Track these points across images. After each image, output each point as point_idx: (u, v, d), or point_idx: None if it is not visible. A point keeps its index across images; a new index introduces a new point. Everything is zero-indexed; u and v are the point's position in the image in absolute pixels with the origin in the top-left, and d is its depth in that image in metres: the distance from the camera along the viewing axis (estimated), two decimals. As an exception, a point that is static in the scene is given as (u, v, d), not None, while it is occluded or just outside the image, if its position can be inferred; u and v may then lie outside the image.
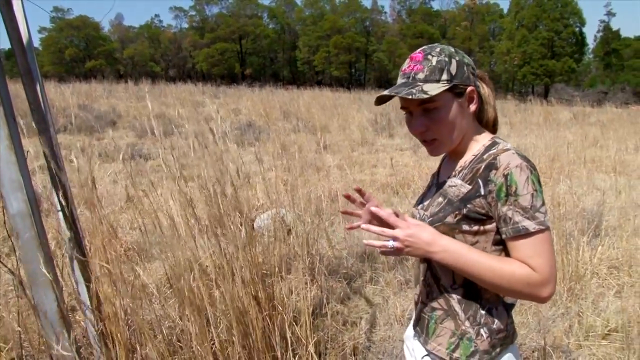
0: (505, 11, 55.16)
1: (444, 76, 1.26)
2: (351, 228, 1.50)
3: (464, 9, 58.38)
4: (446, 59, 1.27)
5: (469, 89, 1.30)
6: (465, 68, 1.29)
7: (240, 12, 62.19)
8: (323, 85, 35.16)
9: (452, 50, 1.30)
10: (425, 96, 1.23)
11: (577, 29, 45.58)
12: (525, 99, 25.49)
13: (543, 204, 1.19)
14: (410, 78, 1.28)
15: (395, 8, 65.54)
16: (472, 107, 1.32)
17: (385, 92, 1.28)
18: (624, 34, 56.06)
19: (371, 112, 14.88)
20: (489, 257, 1.21)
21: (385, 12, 66.85)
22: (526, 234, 1.18)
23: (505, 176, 1.19)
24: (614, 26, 65.80)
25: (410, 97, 1.23)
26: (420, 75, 1.26)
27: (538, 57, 44.52)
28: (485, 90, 1.39)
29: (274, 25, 65.73)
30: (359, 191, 1.51)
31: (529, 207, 1.17)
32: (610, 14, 62.07)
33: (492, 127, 1.42)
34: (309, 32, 59.05)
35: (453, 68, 1.27)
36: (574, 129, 12.92)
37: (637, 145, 10.46)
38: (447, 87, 1.25)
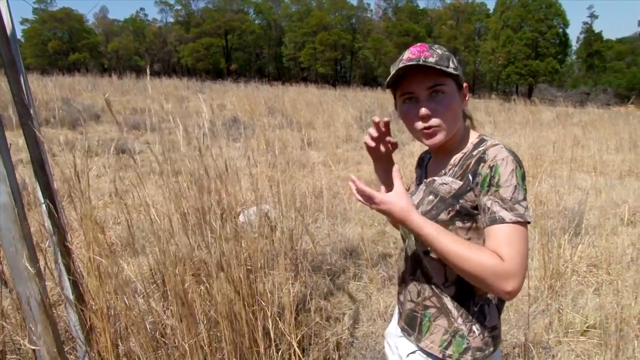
0: (491, 11, 55.48)
1: (452, 64, 1.28)
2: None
3: (450, 7, 58.63)
4: (448, 53, 1.30)
5: (465, 84, 1.34)
6: (458, 66, 1.32)
7: (226, 7, 61.90)
8: (308, 81, 35.13)
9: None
10: (450, 70, 1.25)
11: (560, 30, 46.01)
12: (509, 99, 25.67)
13: (524, 199, 1.19)
14: (421, 61, 1.25)
15: (380, 6, 65.63)
16: (465, 102, 1.35)
17: (411, 62, 1.24)
18: (606, 36, 56.81)
19: (356, 110, 14.89)
20: (460, 242, 1.19)
21: (371, 10, 66.94)
22: (502, 222, 1.17)
23: (491, 167, 1.20)
24: (597, 28, 66.44)
25: (438, 67, 1.23)
26: (431, 60, 1.25)
27: (522, 57, 44.89)
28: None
29: (260, 21, 65.49)
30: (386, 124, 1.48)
31: (509, 198, 1.18)
32: (593, 16, 62.63)
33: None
34: (295, 28, 58.96)
35: (455, 61, 1.31)
36: (557, 129, 13.04)
37: (618, 146, 10.60)
38: (456, 73, 1.28)
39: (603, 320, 3.36)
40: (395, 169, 1.30)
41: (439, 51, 1.28)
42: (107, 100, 1.98)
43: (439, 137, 1.30)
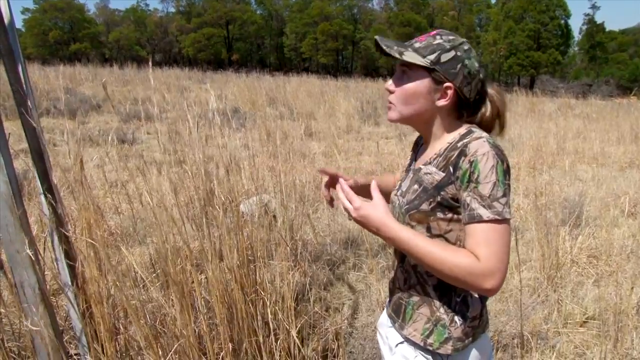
0: (492, 2, 55.24)
1: (431, 57, 1.28)
2: (323, 171, 1.62)
3: (452, -2, 58.39)
4: (447, 46, 1.29)
5: (446, 84, 1.29)
6: (459, 66, 1.28)
7: (228, -3, 61.63)
8: (310, 72, 35.03)
9: (465, 47, 1.31)
10: (396, 55, 1.29)
11: (562, 22, 45.84)
12: (511, 90, 25.59)
13: (504, 195, 1.18)
14: (408, 43, 1.34)
15: (383, -4, 65.30)
16: (441, 102, 1.31)
17: (376, 37, 1.32)
18: (609, 27, 56.53)
19: (357, 100, 14.86)
20: (434, 245, 1.20)
21: (373, 0, 66.61)
22: (479, 221, 1.17)
23: (471, 162, 1.19)
24: (599, 20, 66.16)
25: (385, 49, 1.31)
26: (416, 45, 1.31)
27: (524, 48, 44.73)
28: (486, 108, 1.38)
29: (262, 11, 65.21)
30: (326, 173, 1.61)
31: (487, 195, 1.17)
32: (595, 7, 62.39)
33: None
34: (296, 18, 58.71)
35: (445, 57, 1.28)
36: (558, 121, 13.02)
37: (619, 138, 10.58)
38: (423, 65, 1.28)
39: (602, 312, 3.37)
40: (372, 184, 1.32)
41: (436, 41, 1.30)
42: (104, 85, 1.97)
43: (391, 114, 1.38)
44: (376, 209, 1.26)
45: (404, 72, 1.33)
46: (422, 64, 1.28)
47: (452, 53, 1.28)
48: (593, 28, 52.26)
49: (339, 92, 17.32)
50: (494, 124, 1.40)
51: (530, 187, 6.34)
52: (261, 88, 17.10)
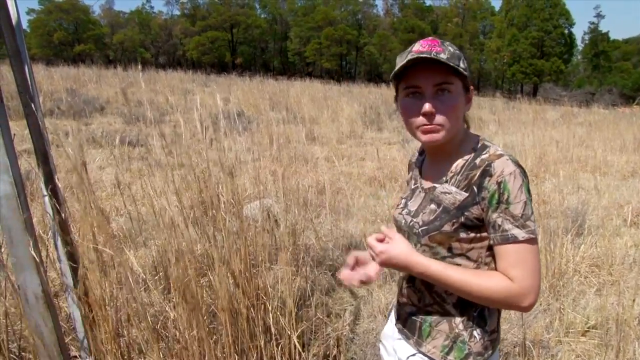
0: (496, 9, 55.32)
1: (462, 64, 1.23)
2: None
3: (456, 5, 58.41)
4: (459, 53, 1.26)
5: (472, 87, 1.30)
6: (467, 68, 1.28)
7: (232, 0, 61.72)
8: (313, 76, 35.05)
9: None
10: (460, 68, 1.21)
11: (566, 30, 45.86)
12: (514, 98, 25.59)
13: (533, 212, 1.18)
14: (432, 54, 1.19)
15: (388, 2, 65.40)
16: (469, 106, 1.32)
17: (423, 55, 1.19)
18: (613, 36, 56.57)
19: (360, 105, 14.89)
20: (467, 274, 1.22)
21: (377, 5, 66.72)
22: (514, 242, 1.17)
23: (499, 183, 1.18)
24: (603, 28, 66.12)
25: (451, 63, 1.19)
26: (443, 56, 1.20)
27: (527, 56, 44.77)
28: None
29: (266, 15, 65.34)
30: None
31: (520, 215, 1.17)
32: (599, 16, 62.21)
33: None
34: (300, 23, 58.72)
35: (465, 62, 1.26)
36: (561, 129, 13.01)
37: (622, 146, 10.57)
38: (465, 74, 1.24)
39: (604, 321, 3.36)
40: (383, 229, 1.34)
41: (451, 49, 1.23)
42: (124, 90, 1.97)
43: (439, 136, 1.25)
44: (398, 248, 1.27)
45: (445, 88, 1.23)
46: (465, 73, 1.24)
47: (464, 57, 1.27)
48: (597, 37, 52.28)
49: (342, 97, 17.35)
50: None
51: (533, 195, 6.31)
52: (265, 92, 17.14)
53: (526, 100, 21.55)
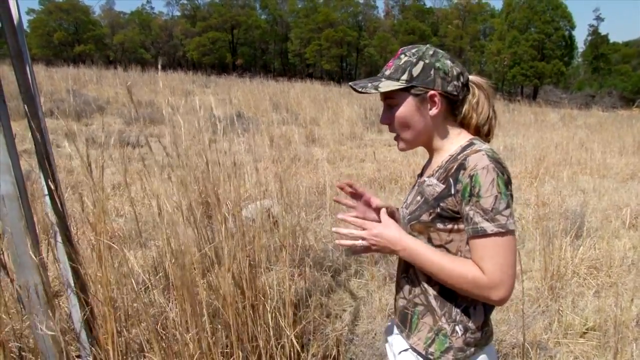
0: (497, 11, 55.25)
1: (404, 76, 1.30)
2: (343, 219, 1.52)
3: (457, 7, 58.41)
4: (413, 60, 1.31)
5: (430, 93, 1.31)
6: (432, 72, 1.30)
7: (233, 1, 61.72)
8: (314, 78, 35.05)
9: (430, 52, 1.32)
10: (373, 91, 1.31)
11: (567, 33, 45.82)
12: (514, 100, 25.61)
13: (507, 207, 1.19)
14: (380, 73, 1.36)
15: (388, 4, 65.43)
16: (433, 110, 1.33)
17: (350, 84, 1.37)
18: (612, 39, 56.58)
19: (361, 107, 14.88)
20: (444, 258, 1.25)
21: (377, 7, 66.72)
22: (483, 235, 1.20)
23: (471, 177, 1.20)
24: (603, 31, 66.14)
25: (361, 90, 1.33)
26: (387, 72, 1.34)
27: (528, 58, 44.69)
28: (475, 97, 1.38)
29: (266, 17, 65.32)
30: (350, 185, 1.57)
31: (490, 209, 1.18)
32: (599, 18, 62.11)
33: (485, 136, 1.41)
34: (301, 24, 58.69)
35: (416, 70, 1.30)
36: (561, 131, 13.02)
37: (621, 149, 10.58)
38: (401, 87, 1.30)
39: (602, 323, 3.37)
40: (382, 211, 1.39)
41: (402, 60, 1.33)
42: (129, 88, 1.98)
43: (402, 145, 1.41)
44: (387, 227, 1.32)
45: (389, 103, 1.36)
46: (398, 87, 1.31)
47: (421, 63, 1.30)
48: (597, 39, 52.27)
49: (343, 98, 17.35)
50: (489, 109, 1.40)
51: (533, 197, 6.34)
52: (265, 93, 17.15)
53: (526, 103, 21.59)
